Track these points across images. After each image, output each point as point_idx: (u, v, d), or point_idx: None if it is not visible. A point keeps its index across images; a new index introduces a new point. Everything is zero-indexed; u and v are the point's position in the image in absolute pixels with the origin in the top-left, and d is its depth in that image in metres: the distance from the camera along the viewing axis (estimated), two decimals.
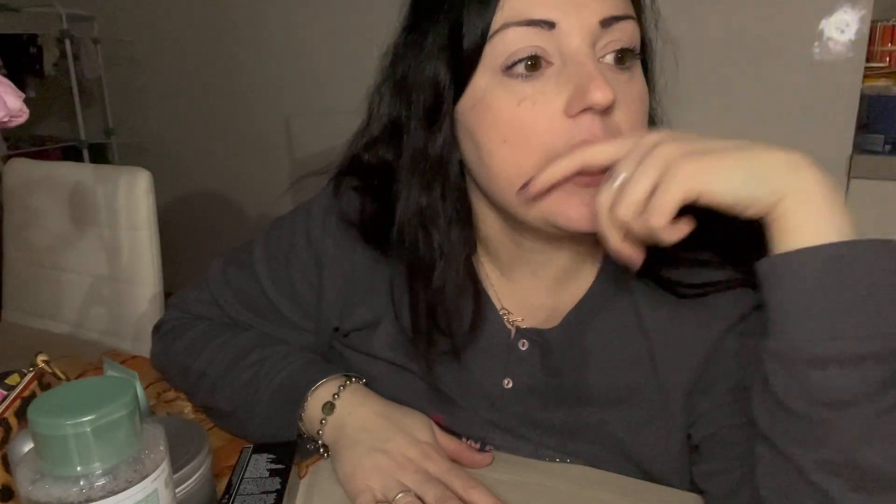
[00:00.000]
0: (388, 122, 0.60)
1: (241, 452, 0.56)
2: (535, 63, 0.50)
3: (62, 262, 1.27)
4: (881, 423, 0.40)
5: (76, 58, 2.59)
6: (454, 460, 0.58)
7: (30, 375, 0.55)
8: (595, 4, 0.50)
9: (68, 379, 0.59)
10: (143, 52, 2.72)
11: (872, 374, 0.40)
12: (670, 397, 0.57)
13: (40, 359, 0.58)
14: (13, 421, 0.52)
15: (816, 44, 1.63)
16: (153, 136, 2.80)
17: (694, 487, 0.60)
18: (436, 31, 0.53)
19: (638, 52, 0.52)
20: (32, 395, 0.55)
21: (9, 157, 1.75)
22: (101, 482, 0.34)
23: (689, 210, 0.50)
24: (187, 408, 0.70)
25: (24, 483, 0.34)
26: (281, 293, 0.69)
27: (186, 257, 2.18)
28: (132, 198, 1.18)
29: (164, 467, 0.37)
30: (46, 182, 1.29)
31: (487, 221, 0.61)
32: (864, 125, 1.64)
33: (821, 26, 1.62)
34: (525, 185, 0.51)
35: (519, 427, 0.63)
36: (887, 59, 1.66)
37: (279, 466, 0.54)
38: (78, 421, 0.33)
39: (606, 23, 0.50)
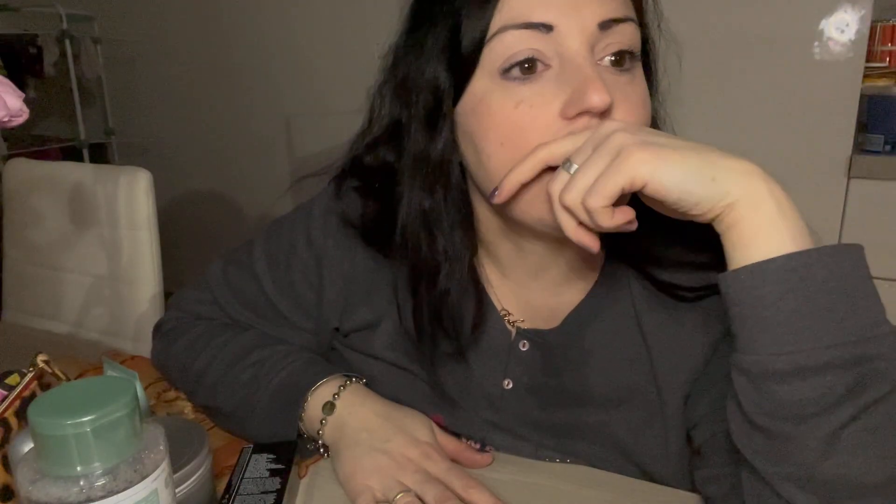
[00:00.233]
0: (390, 123, 0.60)
1: (241, 452, 0.56)
2: (531, 66, 0.50)
3: (62, 262, 1.27)
4: (844, 434, 0.40)
5: (76, 58, 2.59)
6: (454, 460, 0.58)
7: (30, 375, 0.55)
8: (593, 7, 0.49)
9: (68, 379, 0.59)
10: (143, 52, 2.72)
11: (834, 384, 0.39)
12: (668, 400, 0.57)
13: (40, 359, 0.58)
14: (13, 421, 0.52)
15: (816, 44, 1.63)
16: (153, 136, 2.80)
17: (694, 488, 0.60)
18: (435, 33, 0.53)
19: (638, 54, 0.52)
20: (32, 395, 0.55)
21: (9, 157, 1.75)
22: (101, 482, 0.34)
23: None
24: (187, 408, 0.70)
25: (24, 483, 0.34)
26: (281, 293, 0.69)
27: (186, 257, 2.18)
28: (132, 198, 1.18)
29: (164, 467, 0.37)
30: (46, 182, 1.29)
31: (487, 224, 0.61)
32: (864, 125, 1.64)
33: (821, 26, 1.62)
34: (493, 191, 0.51)
35: (519, 427, 0.63)
36: (887, 59, 1.66)
37: (279, 466, 0.54)
38: (78, 421, 0.33)
39: (605, 25, 0.49)
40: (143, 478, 0.35)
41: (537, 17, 0.49)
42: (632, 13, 0.52)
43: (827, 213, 1.64)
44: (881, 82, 1.63)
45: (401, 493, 0.52)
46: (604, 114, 0.49)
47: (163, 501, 0.37)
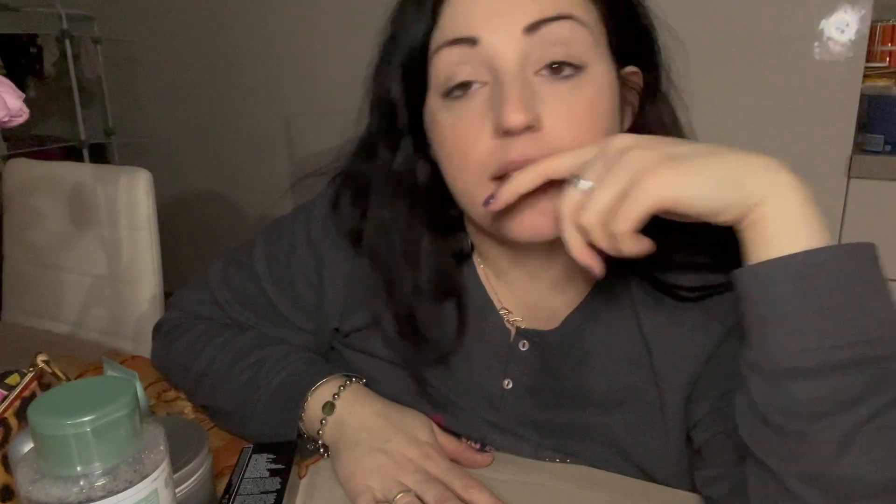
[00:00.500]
0: (368, 135, 0.61)
1: (241, 452, 0.56)
2: (465, 84, 0.51)
3: (62, 262, 1.27)
4: (859, 433, 0.39)
5: (76, 58, 2.59)
6: (454, 460, 0.58)
7: (30, 375, 0.55)
8: (518, 12, 0.49)
9: (68, 379, 0.59)
10: (143, 52, 2.72)
11: (851, 383, 0.39)
12: (669, 400, 0.57)
13: (40, 359, 0.58)
14: (13, 421, 0.52)
15: (816, 44, 1.63)
16: (153, 136, 2.80)
17: (694, 488, 0.60)
18: (395, 48, 0.55)
19: (582, 58, 0.50)
20: (32, 395, 0.55)
21: (9, 157, 1.75)
22: (101, 482, 0.34)
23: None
24: (187, 408, 0.70)
25: (24, 483, 0.34)
26: (281, 294, 0.69)
27: (186, 257, 2.18)
28: (132, 198, 1.18)
29: (164, 467, 0.37)
30: (46, 182, 1.29)
31: (476, 231, 0.61)
32: (864, 125, 1.64)
33: (821, 26, 1.62)
34: (488, 200, 0.51)
35: (519, 427, 0.63)
36: (887, 59, 1.66)
37: (279, 466, 0.54)
38: (78, 421, 0.33)
39: (532, 28, 0.49)
40: (143, 478, 0.35)
41: (461, 32, 0.50)
42: (570, 10, 0.50)
43: (827, 213, 1.63)
44: (881, 82, 1.63)
45: (401, 493, 0.52)
46: (530, 128, 0.48)
47: (163, 501, 0.37)
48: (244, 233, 2.53)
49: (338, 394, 0.60)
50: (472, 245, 0.65)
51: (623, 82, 0.55)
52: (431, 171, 0.59)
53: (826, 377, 0.39)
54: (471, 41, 0.50)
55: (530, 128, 0.48)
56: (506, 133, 0.49)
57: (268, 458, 0.55)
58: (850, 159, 1.60)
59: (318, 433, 0.60)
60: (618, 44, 0.53)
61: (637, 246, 0.44)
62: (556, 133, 0.49)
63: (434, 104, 0.54)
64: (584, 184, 0.45)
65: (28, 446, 0.36)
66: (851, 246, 0.41)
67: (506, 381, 0.63)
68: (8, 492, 0.50)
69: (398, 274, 0.60)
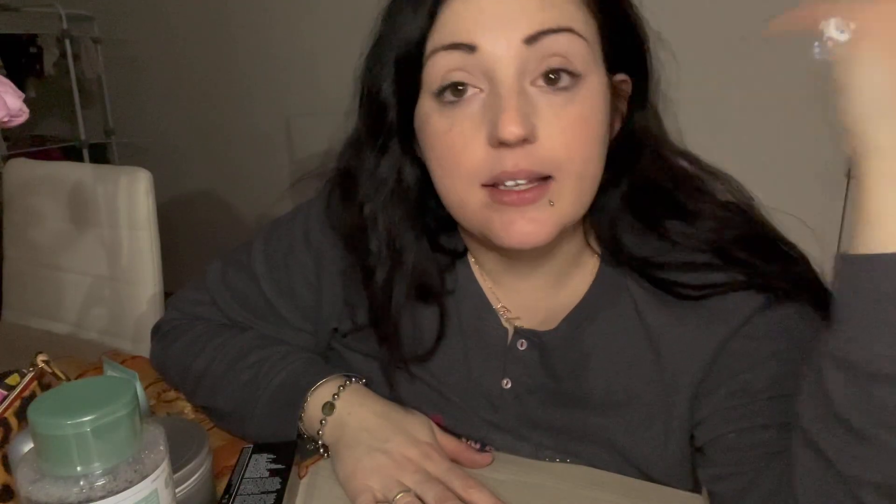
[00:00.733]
0: (356, 132, 0.61)
1: (241, 452, 0.56)
2: (462, 88, 0.51)
3: (62, 262, 1.27)
4: None
5: (76, 58, 2.59)
6: (454, 460, 0.58)
7: (30, 375, 0.55)
8: (518, 22, 0.48)
9: (68, 379, 0.59)
10: (143, 52, 2.73)
11: None
12: (675, 400, 0.57)
13: (40, 359, 0.58)
14: (13, 421, 0.52)
15: (816, 44, 1.63)
16: (153, 136, 2.80)
17: (694, 488, 0.60)
18: (388, 49, 0.54)
19: (579, 70, 0.50)
20: (32, 395, 0.55)
21: (9, 157, 1.75)
22: (101, 482, 0.34)
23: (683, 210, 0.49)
24: (187, 408, 0.70)
25: (24, 483, 0.34)
26: (280, 294, 0.69)
27: (186, 257, 2.18)
28: (132, 198, 1.18)
29: (164, 467, 0.37)
30: (46, 182, 1.29)
31: (466, 234, 0.62)
32: None
33: (821, 26, 1.62)
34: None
35: (518, 427, 0.63)
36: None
37: (279, 466, 0.54)
38: (78, 421, 0.33)
39: (532, 40, 0.49)
40: (143, 478, 0.35)
41: (461, 38, 0.50)
42: (570, 22, 0.50)
43: (827, 213, 1.64)
44: None
45: (401, 493, 0.52)
46: (525, 141, 0.48)
47: (163, 501, 0.37)
48: (244, 233, 2.52)
49: (337, 394, 0.60)
50: (465, 244, 0.65)
51: (613, 90, 0.55)
52: (420, 171, 0.59)
53: None
54: (469, 48, 0.49)
55: (525, 140, 0.48)
56: (501, 144, 0.49)
57: (268, 458, 0.55)
58: (850, 159, 1.60)
59: (318, 433, 0.60)
60: (611, 53, 0.53)
61: None
62: (549, 144, 0.50)
63: (427, 106, 0.53)
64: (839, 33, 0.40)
65: (28, 446, 0.36)
66: None
67: (505, 381, 0.63)
68: (8, 492, 0.50)
69: (381, 274, 0.60)
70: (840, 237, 1.63)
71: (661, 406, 0.58)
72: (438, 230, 0.63)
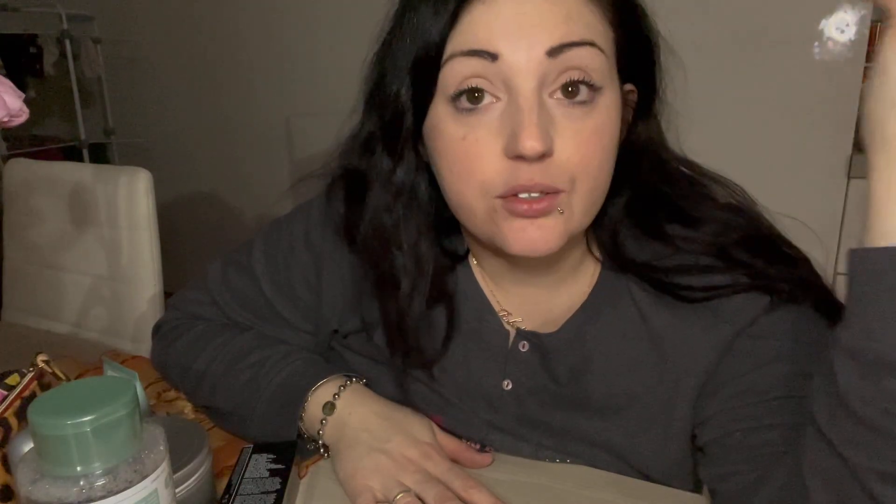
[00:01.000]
0: (367, 134, 0.60)
1: (241, 452, 0.56)
2: (479, 96, 0.50)
3: (62, 262, 1.27)
4: None
5: (76, 58, 2.59)
6: (454, 460, 0.58)
7: (30, 375, 0.55)
8: (541, 33, 0.48)
9: (68, 379, 0.58)
10: (143, 52, 2.73)
11: None
12: (677, 401, 0.57)
13: (40, 359, 0.58)
14: (13, 421, 0.52)
15: (816, 44, 1.64)
16: (153, 136, 2.80)
17: (695, 487, 0.60)
18: (404, 50, 0.53)
19: (598, 83, 0.50)
20: (32, 395, 0.54)
21: (9, 157, 1.75)
22: (100, 482, 0.34)
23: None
24: (187, 408, 0.70)
25: (24, 483, 0.34)
26: (280, 295, 0.69)
27: (186, 257, 2.18)
28: (132, 198, 1.18)
29: (164, 467, 0.37)
30: (46, 182, 1.29)
31: (470, 238, 0.61)
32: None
33: (820, 26, 1.62)
34: None
35: (518, 428, 0.63)
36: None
37: (279, 466, 0.54)
38: (78, 421, 0.33)
39: (554, 52, 0.48)
40: (143, 478, 0.35)
41: (483, 45, 0.49)
42: (592, 36, 0.49)
43: (827, 213, 1.64)
44: None
45: (401, 493, 0.52)
46: (543, 155, 0.48)
47: (163, 501, 0.37)
48: (244, 233, 2.52)
49: (338, 394, 0.60)
50: (468, 246, 0.65)
51: (623, 100, 0.55)
52: (430, 176, 0.58)
53: None
54: (491, 56, 0.48)
55: (543, 155, 0.48)
56: (518, 157, 0.48)
57: (268, 458, 0.55)
58: (851, 159, 1.60)
59: (319, 433, 0.60)
60: (624, 65, 0.53)
61: None
62: (566, 158, 0.49)
63: (441, 111, 0.52)
64: None
65: (28, 446, 0.36)
66: None
67: (505, 382, 0.63)
68: (8, 492, 0.50)
69: (392, 277, 0.60)
70: (840, 237, 1.63)
71: (661, 408, 0.58)
72: (439, 233, 0.63)
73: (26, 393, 0.54)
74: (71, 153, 2.69)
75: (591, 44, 0.49)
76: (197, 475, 0.49)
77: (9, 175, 1.33)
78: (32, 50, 2.61)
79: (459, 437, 0.63)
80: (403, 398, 0.63)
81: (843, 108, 1.62)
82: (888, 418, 0.38)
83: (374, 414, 0.59)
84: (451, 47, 0.50)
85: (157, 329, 0.77)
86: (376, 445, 0.56)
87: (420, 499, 0.53)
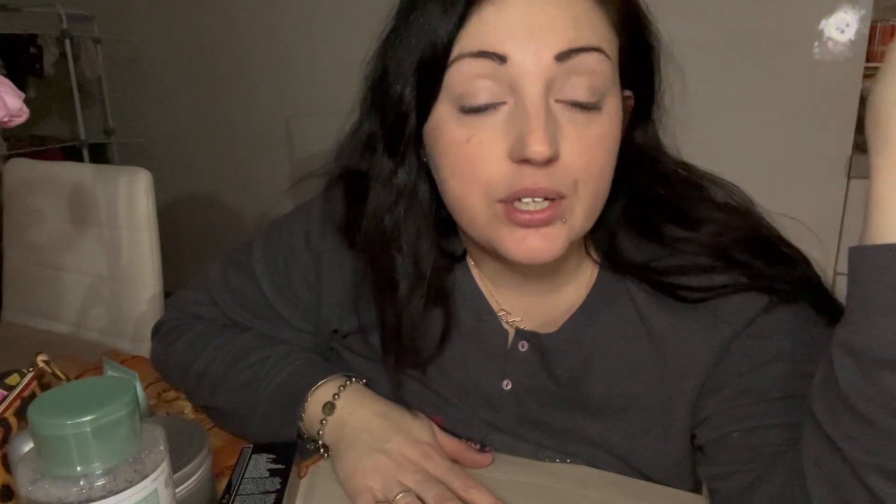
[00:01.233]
0: (367, 134, 0.59)
1: (241, 452, 0.56)
2: (487, 105, 0.49)
3: (62, 262, 1.27)
4: None
5: (76, 58, 2.59)
6: (454, 460, 0.58)
7: (30, 375, 0.55)
8: (550, 38, 0.48)
9: (68, 379, 0.58)
10: (143, 52, 2.73)
11: None
12: (676, 402, 0.57)
13: (40, 359, 0.58)
14: (13, 421, 0.52)
15: (816, 44, 1.63)
16: (153, 136, 2.80)
17: (694, 487, 0.60)
18: (410, 49, 0.52)
19: (604, 90, 0.50)
20: (32, 395, 0.54)
21: (9, 157, 1.75)
22: (100, 482, 0.34)
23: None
24: (187, 408, 0.70)
25: (24, 483, 0.34)
26: (280, 295, 0.69)
27: (186, 257, 2.18)
28: (132, 198, 1.18)
29: (164, 467, 0.37)
30: (46, 182, 1.29)
31: (467, 240, 0.61)
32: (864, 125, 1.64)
33: (821, 26, 1.62)
34: None
35: (518, 428, 0.63)
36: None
37: (279, 466, 0.54)
38: (78, 421, 0.33)
39: (563, 57, 0.48)
40: (143, 478, 0.35)
41: (491, 47, 0.48)
42: (600, 42, 0.49)
43: (827, 213, 1.64)
44: None
45: (401, 493, 0.52)
46: (549, 161, 0.48)
47: (163, 501, 0.37)
48: (244, 233, 2.52)
49: (338, 394, 0.60)
50: (465, 247, 0.65)
51: (623, 105, 0.55)
52: (429, 176, 0.58)
53: None
54: (499, 58, 0.48)
55: (549, 160, 0.48)
56: (523, 161, 0.48)
57: (268, 458, 0.55)
58: (850, 159, 1.60)
59: (319, 433, 0.60)
60: (626, 71, 0.53)
61: None
62: (570, 163, 0.49)
63: (445, 113, 0.51)
64: None
65: (28, 446, 0.36)
66: None
67: (505, 382, 0.63)
68: (8, 492, 0.50)
69: (390, 278, 0.60)
70: (840, 237, 1.63)
71: (661, 409, 0.57)
72: (438, 234, 0.63)
73: (26, 393, 0.54)
74: (71, 153, 2.69)
75: (599, 50, 0.49)
76: (197, 475, 0.49)
77: (9, 175, 1.33)
78: (32, 50, 2.61)
79: (459, 437, 0.63)
80: (398, 398, 0.63)
81: (843, 109, 1.62)
82: (888, 415, 0.38)
83: (374, 414, 0.59)
84: (458, 48, 0.49)
85: (157, 329, 0.77)
86: (376, 445, 0.56)
87: (420, 499, 0.53)
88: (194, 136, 2.72)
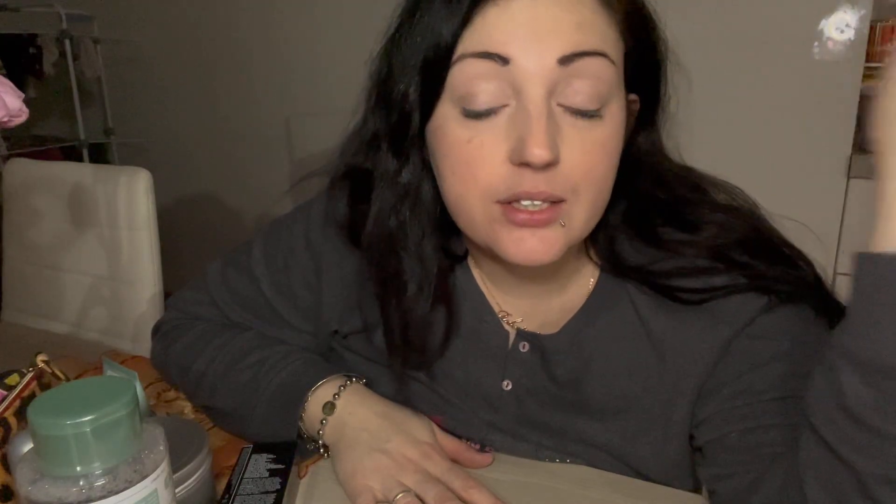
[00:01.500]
0: (371, 132, 0.59)
1: (241, 452, 0.56)
2: (489, 110, 0.49)
3: (62, 262, 1.27)
4: None
5: (76, 58, 2.59)
6: (454, 460, 0.58)
7: (29, 375, 0.55)
8: (554, 41, 0.47)
9: (68, 379, 0.58)
10: (142, 52, 2.73)
11: None
12: (675, 404, 0.57)
13: (40, 359, 0.58)
14: (13, 421, 0.52)
15: (816, 44, 1.64)
16: (153, 136, 2.80)
17: (694, 487, 0.60)
18: (414, 48, 0.52)
19: (605, 96, 0.49)
20: (32, 395, 0.54)
21: (9, 157, 1.75)
22: (100, 482, 0.34)
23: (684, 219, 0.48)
24: (187, 408, 0.70)
25: (24, 483, 0.34)
26: (280, 296, 0.69)
27: (186, 257, 2.18)
28: (132, 198, 1.18)
29: (164, 467, 0.37)
30: (46, 182, 1.29)
31: (469, 240, 0.61)
32: (864, 125, 1.64)
33: (820, 26, 1.62)
34: None
35: (518, 428, 0.63)
36: (886, 59, 1.66)
37: (279, 466, 0.54)
38: (78, 421, 0.33)
39: (566, 60, 0.48)
40: (143, 478, 0.35)
41: (495, 48, 0.48)
42: (604, 46, 0.49)
43: (827, 212, 1.64)
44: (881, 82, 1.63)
45: (401, 493, 0.52)
46: (549, 164, 0.48)
47: (163, 501, 0.37)
48: (244, 233, 2.52)
49: (338, 394, 0.60)
50: (466, 248, 0.65)
51: (627, 110, 0.54)
52: (432, 176, 0.58)
53: None
54: (502, 59, 0.48)
55: (549, 163, 0.48)
56: (523, 164, 0.48)
57: (267, 458, 0.55)
58: (850, 159, 1.60)
59: (319, 433, 0.60)
60: (632, 75, 0.53)
61: None
62: (571, 167, 0.49)
63: (447, 112, 0.51)
64: None
65: (28, 446, 0.36)
66: None
67: (505, 383, 0.63)
68: (8, 492, 0.50)
69: (396, 278, 0.59)
70: (840, 237, 1.63)
71: (660, 410, 0.57)
72: (440, 234, 0.63)
73: (26, 393, 0.54)
74: (71, 153, 2.68)
75: (603, 54, 0.49)
76: (197, 475, 0.49)
77: (9, 175, 1.33)
78: (32, 50, 2.61)
79: (459, 437, 0.63)
80: (403, 399, 0.63)
81: (843, 109, 1.62)
82: (889, 422, 0.38)
83: (374, 414, 0.59)
84: (461, 48, 0.49)
85: (157, 329, 0.77)
86: (376, 445, 0.56)
87: (420, 499, 0.52)
88: (194, 136, 2.72)
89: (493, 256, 0.58)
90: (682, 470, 0.59)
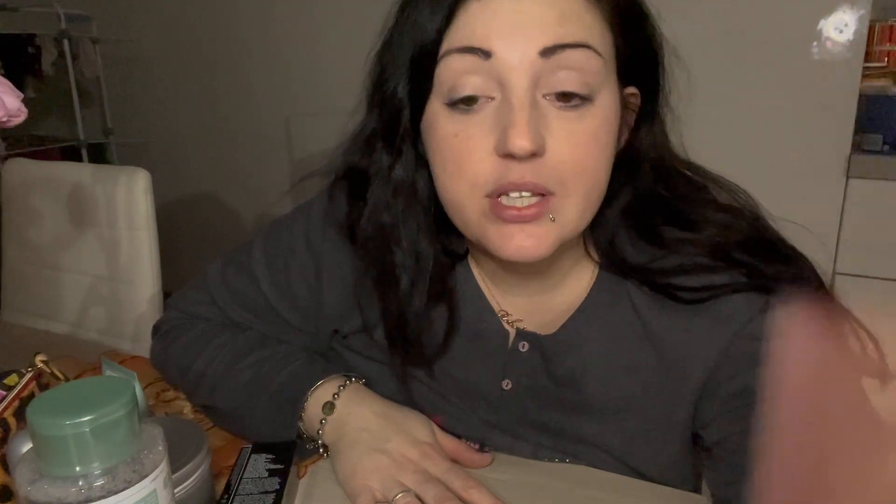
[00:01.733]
0: (369, 131, 0.60)
1: (240, 452, 0.56)
2: (471, 98, 0.50)
3: (62, 262, 1.27)
4: None
5: (75, 58, 2.59)
6: (454, 460, 0.58)
7: (28, 375, 0.55)
8: (536, 33, 0.48)
9: (67, 379, 0.58)
10: (141, 52, 2.72)
11: None
12: (675, 404, 0.57)
13: (39, 359, 0.58)
14: (12, 421, 0.52)
15: (815, 44, 1.64)
16: (152, 136, 2.80)
17: (695, 487, 0.60)
18: (402, 48, 0.53)
19: (592, 86, 0.50)
20: (31, 396, 0.54)
21: (8, 157, 1.75)
22: (99, 482, 0.34)
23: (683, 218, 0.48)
24: (187, 408, 0.70)
25: (23, 483, 0.34)
26: (280, 296, 0.69)
27: (186, 257, 2.18)
28: (131, 198, 1.18)
29: (163, 467, 0.37)
30: (46, 182, 1.29)
31: (468, 239, 0.61)
32: (863, 125, 1.65)
33: (820, 26, 1.62)
34: None
35: (518, 428, 0.63)
36: (886, 58, 1.67)
37: (278, 466, 0.54)
38: (77, 421, 0.33)
39: (548, 52, 0.48)
40: (142, 478, 0.35)
41: (477, 42, 0.49)
42: (588, 38, 0.49)
43: (826, 213, 1.64)
44: (880, 82, 1.64)
45: (401, 493, 0.52)
46: (534, 154, 0.48)
47: (162, 501, 0.37)
48: (244, 233, 2.53)
49: (338, 394, 0.60)
50: (467, 246, 0.65)
51: (623, 103, 0.54)
52: (429, 173, 0.58)
53: None
54: (484, 53, 0.49)
55: (534, 154, 0.48)
56: (508, 156, 0.48)
57: (267, 458, 0.55)
58: (849, 159, 1.60)
59: (318, 433, 0.60)
60: (625, 67, 0.53)
61: None
62: (558, 159, 0.49)
63: (436, 109, 0.52)
64: None
65: (27, 446, 0.36)
66: None
67: (504, 382, 0.63)
68: (7, 492, 0.50)
69: (392, 273, 0.60)
70: (839, 237, 1.63)
71: (660, 410, 0.57)
72: (441, 230, 0.63)
73: (25, 393, 0.54)
74: (70, 153, 2.68)
75: (587, 46, 0.49)
76: (196, 475, 0.49)
77: (8, 175, 1.33)
78: (31, 50, 2.60)
79: (459, 437, 0.63)
80: (404, 398, 0.63)
81: (842, 109, 1.62)
82: None
83: (373, 414, 0.59)
84: (446, 44, 0.50)
85: (157, 329, 0.77)
86: (376, 445, 0.56)
87: (420, 499, 0.52)
88: (193, 136, 2.72)
89: (490, 254, 0.58)
90: (682, 470, 0.59)
